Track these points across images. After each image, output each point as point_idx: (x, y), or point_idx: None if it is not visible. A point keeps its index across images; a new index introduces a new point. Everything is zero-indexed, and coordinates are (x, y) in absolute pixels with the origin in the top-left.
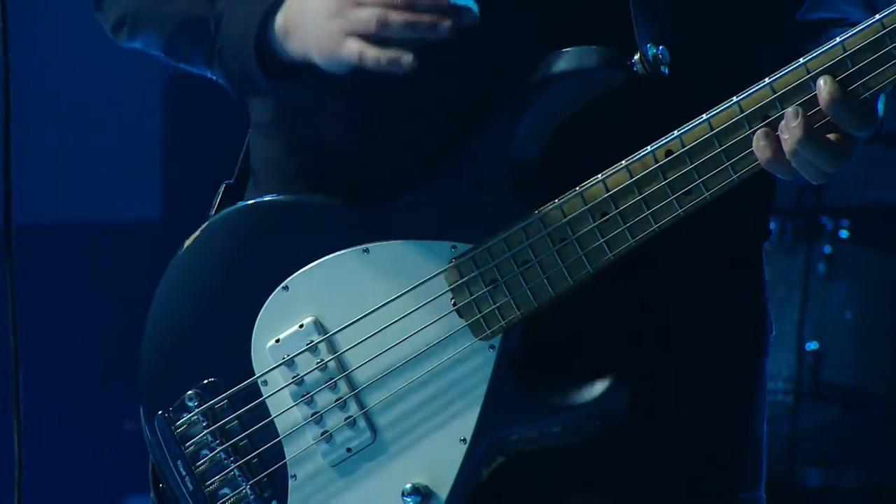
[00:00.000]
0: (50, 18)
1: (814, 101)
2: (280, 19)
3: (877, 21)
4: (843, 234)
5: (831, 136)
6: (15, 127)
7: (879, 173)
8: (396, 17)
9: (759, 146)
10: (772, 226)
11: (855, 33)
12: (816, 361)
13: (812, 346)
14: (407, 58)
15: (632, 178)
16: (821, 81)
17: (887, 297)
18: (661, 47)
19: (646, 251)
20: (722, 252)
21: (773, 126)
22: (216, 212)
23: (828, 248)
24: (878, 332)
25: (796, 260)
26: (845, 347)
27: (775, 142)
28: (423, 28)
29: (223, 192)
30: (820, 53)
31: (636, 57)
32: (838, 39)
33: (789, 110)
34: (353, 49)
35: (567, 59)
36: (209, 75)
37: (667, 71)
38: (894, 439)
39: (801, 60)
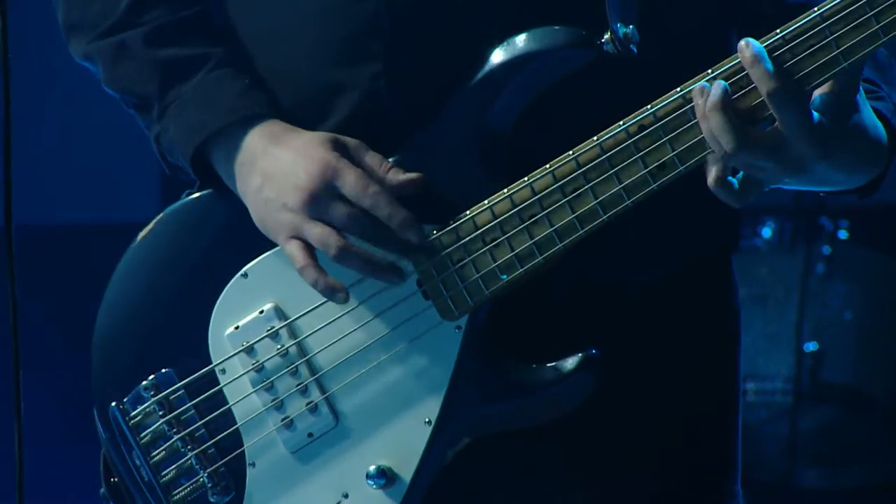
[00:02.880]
0: (50, 19)
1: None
2: (223, 152)
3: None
4: (843, 234)
5: (760, 123)
6: (15, 128)
7: None
8: (349, 257)
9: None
10: (771, 226)
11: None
12: (816, 362)
13: (811, 346)
14: (340, 296)
15: (604, 153)
16: (742, 43)
17: (886, 298)
18: (630, 26)
19: (618, 237)
20: (691, 257)
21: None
22: None
23: (827, 249)
24: (877, 332)
25: (795, 260)
26: (844, 348)
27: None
28: (358, 269)
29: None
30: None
31: (606, 36)
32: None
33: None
34: (295, 253)
35: (537, 38)
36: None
37: (636, 50)
38: (893, 440)
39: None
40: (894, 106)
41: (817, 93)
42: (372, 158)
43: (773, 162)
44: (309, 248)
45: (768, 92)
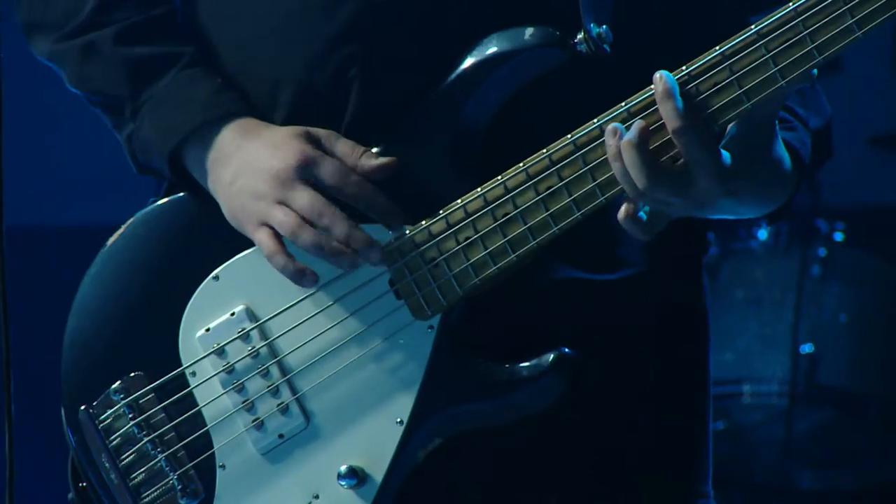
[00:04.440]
0: None
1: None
2: (197, 150)
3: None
4: (838, 236)
5: (667, 159)
6: (9, 129)
7: (874, 176)
8: (307, 236)
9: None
10: (767, 228)
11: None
12: (811, 364)
13: (807, 348)
14: (309, 279)
15: (578, 150)
16: (657, 75)
17: (882, 300)
18: (604, 26)
19: (590, 236)
20: (665, 253)
21: None
22: None
23: (823, 251)
24: (872, 334)
25: (791, 262)
26: (840, 350)
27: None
28: (327, 255)
29: None
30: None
31: (580, 36)
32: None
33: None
34: (263, 240)
35: (511, 39)
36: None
37: (609, 49)
38: (889, 442)
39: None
40: (808, 132)
41: (729, 130)
42: (344, 146)
43: (682, 198)
44: (278, 235)
45: (675, 129)
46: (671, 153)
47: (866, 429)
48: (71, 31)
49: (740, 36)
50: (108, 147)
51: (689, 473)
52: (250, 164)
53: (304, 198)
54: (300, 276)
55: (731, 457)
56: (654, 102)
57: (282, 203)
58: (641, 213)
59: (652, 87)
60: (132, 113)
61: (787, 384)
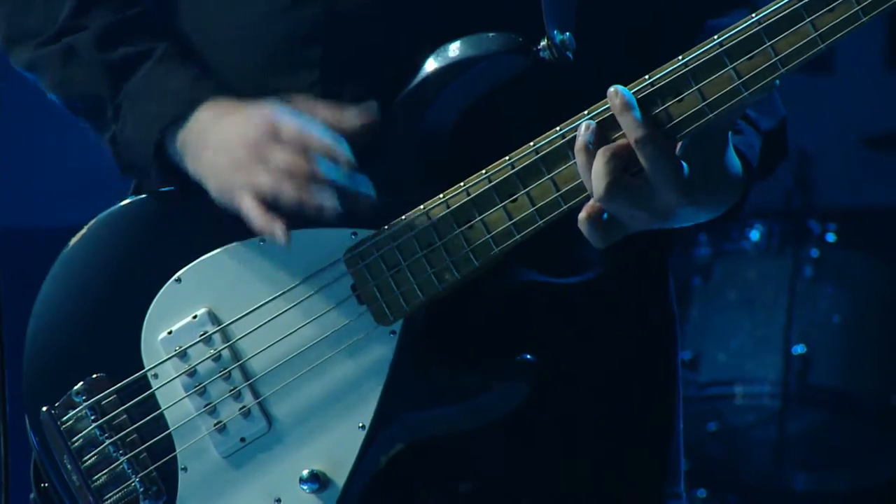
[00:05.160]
0: None
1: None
2: (188, 128)
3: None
4: (831, 237)
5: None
6: None
7: (867, 177)
8: (289, 189)
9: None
10: (759, 229)
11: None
12: (804, 365)
13: (799, 349)
14: (281, 237)
15: (539, 157)
16: (612, 90)
17: (874, 301)
18: (567, 33)
19: (556, 246)
20: (629, 255)
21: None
22: None
23: (815, 252)
24: (865, 336)
25: (784, 263)
26: (832, 351)
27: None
28: (310, 209)
29: None
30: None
31: (543, 42)
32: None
33: (583, 123)
34: (247, 205)
35: (473, 45)
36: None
37: (572, 56)
38: (881, 443)
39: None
40: (759, 134)
41: (688, 141)
42: (324, 108)
43: (643, 211)
44: (262, 201)
45: (636, 140)
46: (634, 169)
47: (859, 430)
48: (49, 36)
49: (703, 47)
50: (95, 150)
51: (660, 474)
52: (227, 139)
53: (280, 154)
54: (274, 235)
55: (723, 458)
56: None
57: (261, 165)
58: (605, 215)
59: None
60: (114, 113)
61: (779, 385)
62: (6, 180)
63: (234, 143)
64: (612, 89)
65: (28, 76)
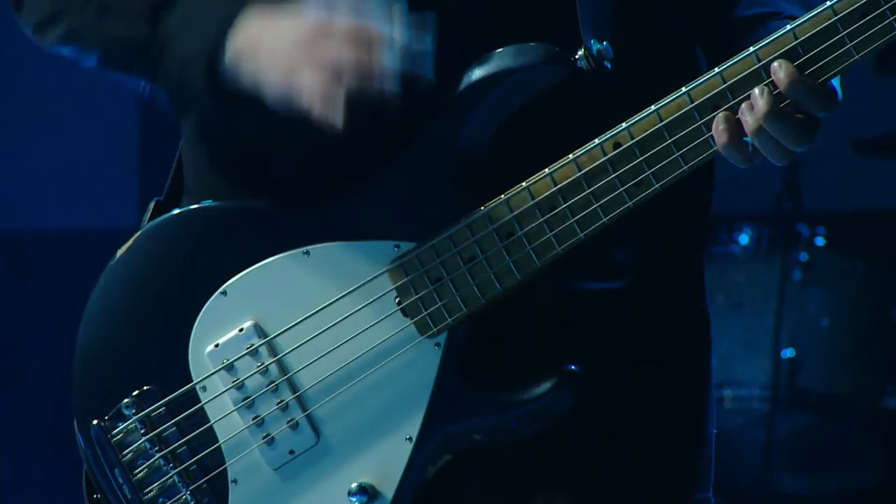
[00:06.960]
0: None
1: (770, 86)
2: (235, 41)
3: (827, 7)
4: (820, 241)
5: (796, 115)
6: None
7: (856, 181)
8: (350, 81)
9: (718, 130)
10: (748, 233)
11: (805, 21)
12: (792, 369)
13: (788, 353)
14: (337, 121)
15: (580, 171)
16: (776, 65)
17: (863, 305)
18: (604, 43)
19: (593, 252)
20: (665, 258)
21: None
22: None
23: (804, 256)
24: (853, 339)
25: (773, 267)
26: (821, 355)
27: (735, 125)
28: (371, 93)
29: (153, 209)
30: (770, 42)
31: (580, 52)
32: (788, 27)
33: (756, 89)
34: (312, 81)
35: (511, 56)
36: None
37: (610, 66)
38: (870, 446)
39: (751, 49)
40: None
41: None
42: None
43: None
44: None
45: (806, 103)
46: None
47: (847, 433)
48: (80, 3)
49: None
50: (88, 151)
51: (689, 479)
52: (277, 44)
53: (336, 50)
54: (331, 117)
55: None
56: (752, 75)
57: (314, 63)
58: (747, 140)
59: (650, 106)
60: (159, 50)
61: (768, 388)
62: None
63: (285, 48)
64: (775, 64)
65: (65, 53)
